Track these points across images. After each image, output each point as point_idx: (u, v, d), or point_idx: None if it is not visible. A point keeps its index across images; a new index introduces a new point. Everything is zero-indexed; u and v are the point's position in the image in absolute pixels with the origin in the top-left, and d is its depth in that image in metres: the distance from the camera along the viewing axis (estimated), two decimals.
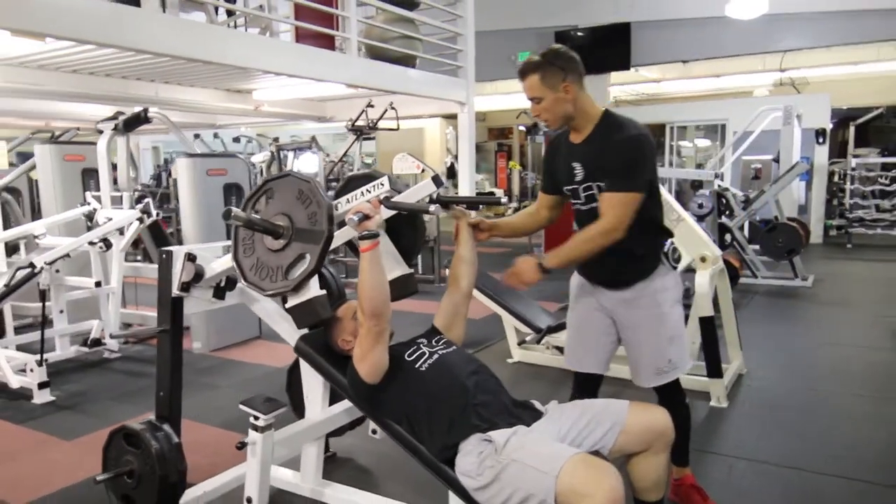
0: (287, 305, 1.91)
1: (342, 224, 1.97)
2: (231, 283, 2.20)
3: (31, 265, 3.66)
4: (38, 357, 3.60)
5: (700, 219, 6.13)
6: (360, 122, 6.24)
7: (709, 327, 3.37)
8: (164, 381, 2.10)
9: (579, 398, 2.24)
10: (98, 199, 4.57)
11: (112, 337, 4.27)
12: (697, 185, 7.18)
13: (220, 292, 2.20)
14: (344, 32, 4.81)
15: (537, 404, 2.03)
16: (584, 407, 1.96)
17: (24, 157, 7.81)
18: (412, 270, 2.31)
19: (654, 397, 2.26)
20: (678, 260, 2.24)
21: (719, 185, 6.74)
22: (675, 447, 2.38)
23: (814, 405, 3.51)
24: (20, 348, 4.15)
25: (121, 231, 4.34)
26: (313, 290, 1.88)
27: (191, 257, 2.07)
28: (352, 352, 1.97)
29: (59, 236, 4.44)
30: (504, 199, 2.33)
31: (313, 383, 2.30)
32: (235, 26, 5.08)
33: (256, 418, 1.96)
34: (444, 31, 5.83)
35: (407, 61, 5.47)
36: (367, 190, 2.00)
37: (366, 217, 1.81)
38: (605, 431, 1.87)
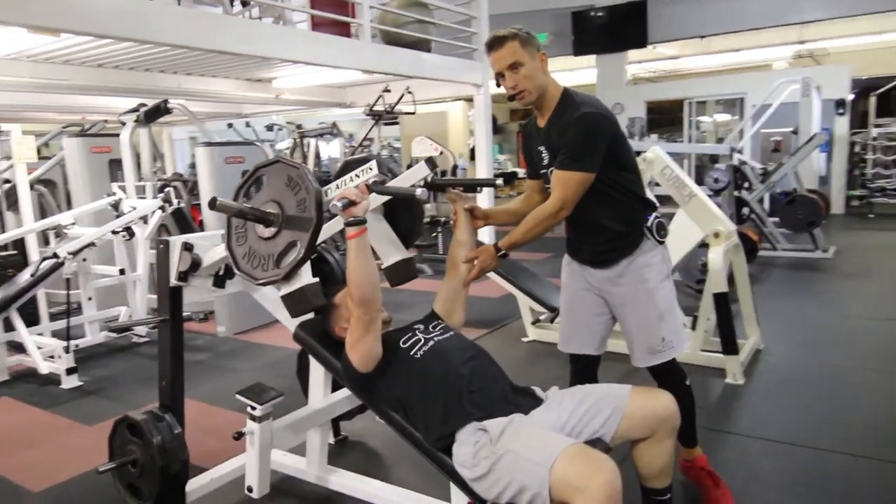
0: (280, 294, 1.90)
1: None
2: (230, 271, 2.21)
3: (55, 255, 3.76)
4: (65, 343, 3.72)
5: (716, 193, 6.00)
6: (378, 107, 6.24)
7: (723, 303, 3.32)
8: (166, 371, 2.13)
9: (578, 382, 2.21)
10: (123, 189, 4.68)
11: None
12: (716, 159, 7.05)
13: (219, 281, 2.22)
14: (357, 19, 4.80)
15: (538, 391, 2.00)
16: (584, 393, 1.92)
17: None
18: (412, 255, 2.29)
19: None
20: (664, 235, 2.17)
21: (739, 159, 6.58)
22: (680, 429, 2.34)
23: (832, 382, 3.41)
24: (54, 334, 4.29)
25: (144, 219, 4.44)
26: (305, 278, 1.85)
27: (187, 246, 2.08)
28: None
29: (87, 226, 4.56)
30: (500, 182, 2.26)
31: (316, 370, 2.32)
32: (250, 17, 5.11)
33: (253, 408, 1.97)
34: (459, 14, 5.78)
35: (422, 45, 5.44)
36: (356, 175, 1.98)
37: (351, 203, 1.78)
38: (606, 418, 1.82)
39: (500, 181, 2.26)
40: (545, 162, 2.13)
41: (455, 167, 7.03)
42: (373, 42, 5.08)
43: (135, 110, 4.85)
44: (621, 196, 2.10)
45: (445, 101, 10.98)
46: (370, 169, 1.97)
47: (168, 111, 4.86)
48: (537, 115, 2.15)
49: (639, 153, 4.04)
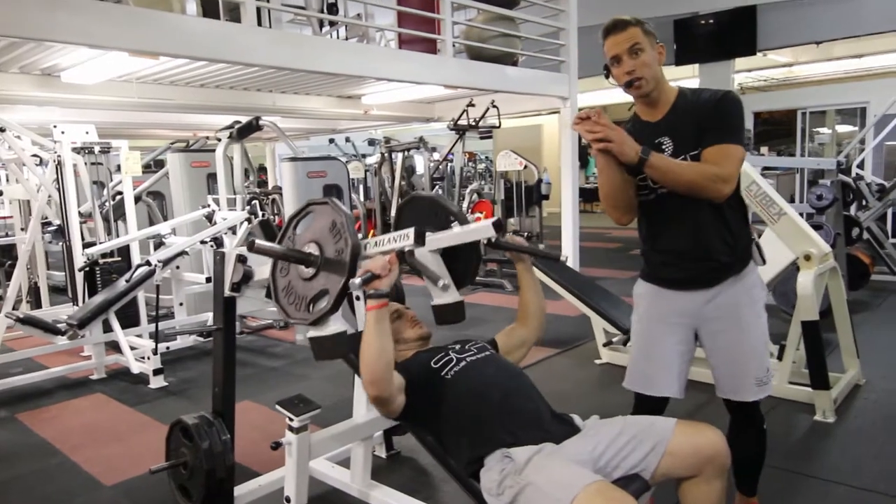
0: (308, 335, 1.84)
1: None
2: None
3: (148, 262, 4.03)
4: (154, 346, 3.98)
5: (819, 211, 5.51)
6: (462, 122, 6.27)
7: (813, 332, 3.06)
8: (219, 378, 2.22)
9: None
10: (216, 201, 4.96)
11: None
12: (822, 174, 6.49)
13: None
14: (439, 35, 4.85)
15: (576, 419, 1.90)
16: (625, 424, 1.80)
17: None
18: (462, 299, 2.12)
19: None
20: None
21: (857, 173, 6.01)
22: (744, 473, 2.15)
23: None
24: (151, 336, 4.59)
25: (233, 231, 4.68)
26: (332, 327, 1.80)
27: (241, 259, 2.15)
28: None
29: (185, 236, 4.87)
30: (564, 257, 2.11)
31: (359, 384, 2.33)
32: (338, 36, 5.30)
33: (291, 419, 2.01)
34: (546, 26, 5.72)
35: (507, 59, 5.41)
36: (394, 238, 1.92)
37: (375, 276, 1.72)
38: (647, 452, 1.70)
39: (564, 257, 2.11)
40: (668, 153, 1.89)
41: (539, 181, 6.93)
42: (456, 57, 5.11)
43: (229, 127, 5.15)
44: (731, 205, 1.90)
45: (540, 115, 10.86)
46: (406, 237, 1.87)
47: (259, 128, 5.12)
48: (643, 112, 1.99)
49: None
